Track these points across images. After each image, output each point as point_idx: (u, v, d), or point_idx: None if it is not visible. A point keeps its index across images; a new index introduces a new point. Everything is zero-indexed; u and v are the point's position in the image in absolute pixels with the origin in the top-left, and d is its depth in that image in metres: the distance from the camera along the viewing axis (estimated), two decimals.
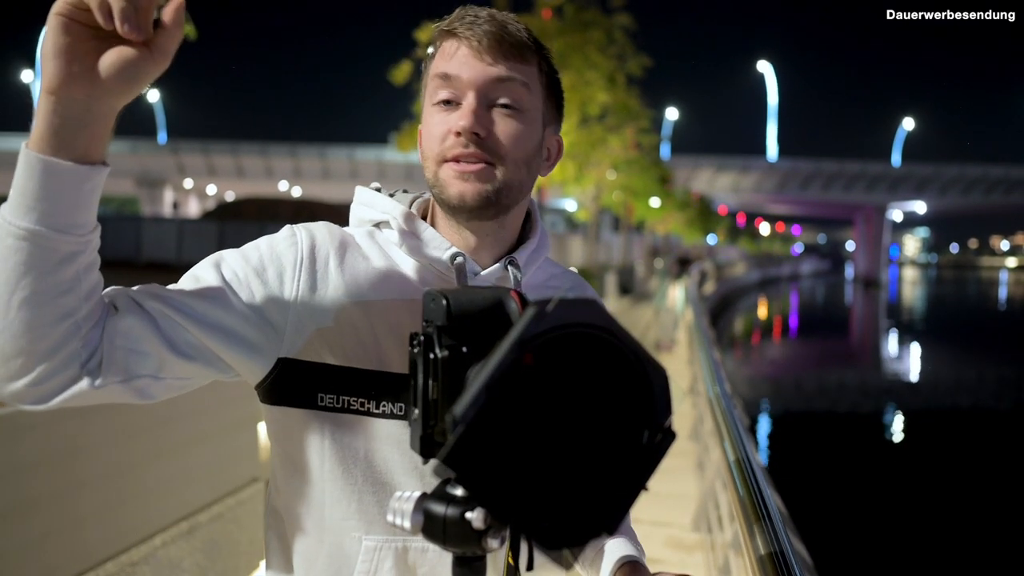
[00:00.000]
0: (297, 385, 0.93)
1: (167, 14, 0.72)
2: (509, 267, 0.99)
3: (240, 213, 30.35)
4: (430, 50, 0.99)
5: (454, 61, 0.93)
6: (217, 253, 0.94)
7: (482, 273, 0.98)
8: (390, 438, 0.93)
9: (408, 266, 0.98)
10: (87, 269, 0.79)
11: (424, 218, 1.04)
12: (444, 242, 0.97)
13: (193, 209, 61.73)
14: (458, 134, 0.92)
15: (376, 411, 0.93)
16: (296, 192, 57.62)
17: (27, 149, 0.73)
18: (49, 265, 0.75)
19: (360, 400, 0.92)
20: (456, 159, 0.93)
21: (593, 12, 14.57)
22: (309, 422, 0.93)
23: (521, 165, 0.96)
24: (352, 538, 0.94)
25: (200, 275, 0.91)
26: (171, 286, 0.90)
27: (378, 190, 1.06)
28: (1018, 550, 8.01)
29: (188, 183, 57.33)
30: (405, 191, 1.08)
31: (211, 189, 62.04)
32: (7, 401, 0.81)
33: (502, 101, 0.94)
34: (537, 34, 0.99)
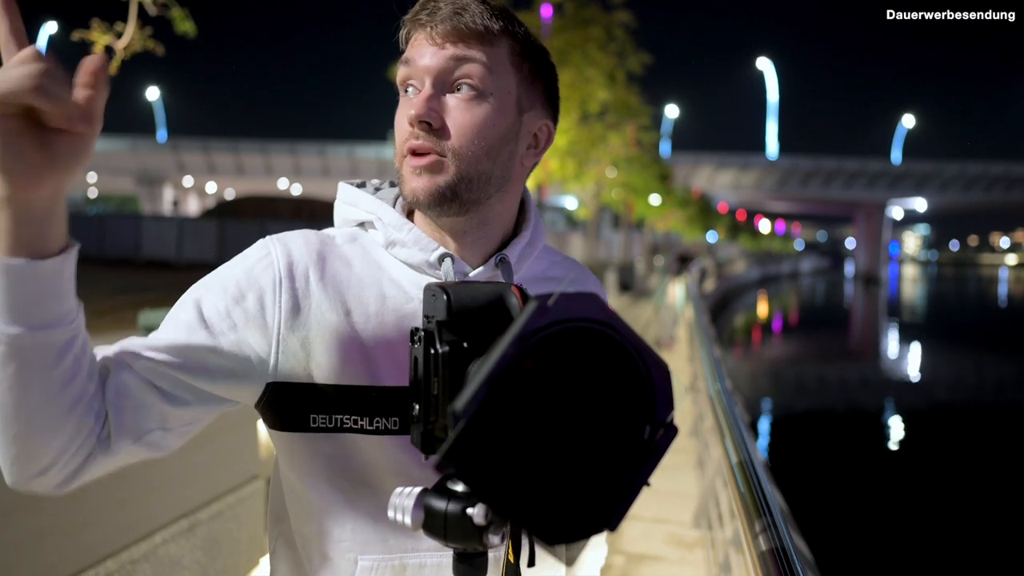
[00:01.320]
0: (289, 408, 0.89)
1: (87, 80, 0.65)
2: (499, 265, 0.95)
3: (240, 211, 30.38)
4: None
5: (412, 49, 0.90)
6: (197, 287, 0.91)
7: (471, 274, 0.93)
8: (384, 454, 0.89)
9: (394, 269, 0.93)
10: (83, 349, 0.76)
11: (411, 214, 0.99)
12: (431, 243, 0.92)
13: (193, 207, 61.78)
14: (412, 125, 0.88)
15: (370, 428, 0.89)
16: (296, 190, 57.66)
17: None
18: (50, 361, 0.73)
19: (353, 418, 0.88)
20: (412, 152, 0.88)
21: (593, 9, 14.57)
22: (305, 445, 0.90)
23: (482, 155, 0.89)
24: (348, 559, 0.91)
25: (181, 317, 0.88)
26: (154, 334, 0.88)
27: (361, 185, 1.01)
28: (1018, 548, 8.02)
29: (188, 181, 57.37)
30: (392, 184, 1.03)
31: (211, 187, 62.11)
32: (27, 491, 0.80)
33: (460, 83, 0.88)
34: (536, 32, 0.95)
